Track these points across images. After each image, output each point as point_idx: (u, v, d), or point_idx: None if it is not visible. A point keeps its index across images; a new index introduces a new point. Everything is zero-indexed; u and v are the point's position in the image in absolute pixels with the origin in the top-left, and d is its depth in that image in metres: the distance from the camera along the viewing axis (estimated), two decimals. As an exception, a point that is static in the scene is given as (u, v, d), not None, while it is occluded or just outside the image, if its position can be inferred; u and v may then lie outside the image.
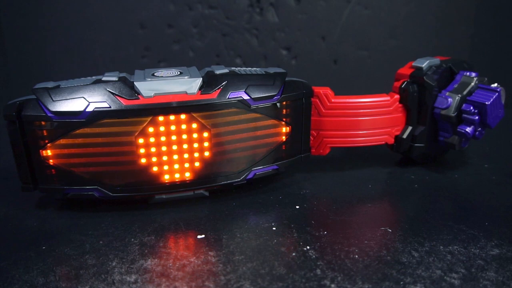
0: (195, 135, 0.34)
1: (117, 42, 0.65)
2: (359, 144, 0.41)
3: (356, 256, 0.29)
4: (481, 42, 0.69)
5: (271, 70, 0.37)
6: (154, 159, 0.33)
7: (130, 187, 0.34)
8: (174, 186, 0.35)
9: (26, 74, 0.65)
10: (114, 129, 0.32)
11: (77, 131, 0.32)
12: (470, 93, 0.39)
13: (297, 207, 0.36)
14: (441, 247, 0.30)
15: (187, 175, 0.35)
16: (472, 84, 0.39)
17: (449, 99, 0.39)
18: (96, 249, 0.30)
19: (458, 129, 0.39)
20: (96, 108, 0.31)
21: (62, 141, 0.32)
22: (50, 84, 0.32)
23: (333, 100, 0.39)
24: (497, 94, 0.38)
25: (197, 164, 0.35)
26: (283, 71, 0.37)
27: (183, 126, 0.33)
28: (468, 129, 0.38)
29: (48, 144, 0.32)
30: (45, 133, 0.32)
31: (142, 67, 0.37)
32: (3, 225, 0.33)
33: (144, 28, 0.65)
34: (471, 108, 0.38)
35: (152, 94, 0.32)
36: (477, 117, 0.38)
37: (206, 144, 0.34)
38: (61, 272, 0.27)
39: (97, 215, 0.34)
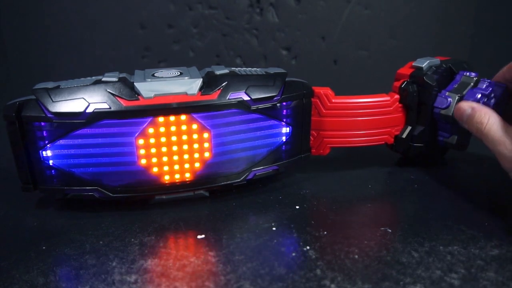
0: (195, 136, 0.34)
1: (117, 42, 0.65)
2: (359, 144, 0.41)
3: (356, 256, 0.29)
4: (481, 42, 0.69)
5: (271, 70, 0.37)
6: (154, 159, 0.33)
7: (130, 188, 0.34)
8: (174, 187, 0.35)
9: (26, 74, 0.65)
10: (114, 130, 0.32)
11: (77, 132, 0.32)
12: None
13: (297, 207, 0.36)
14: (441, 247, 0.30)
15: (187, 175, 0.35)
16: (472, 84, 0.39)
17: (449, 99, 0.39)
18: (96, 249, 0.30)
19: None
20: (96, 109, 0.31)
21: (62, 141, 0.32)
22: (50, 85, 0.32)
23: (333, 101, 0.39)
24: (504, 87, 0.37)
25: (197, 164, 0.35)
26: (284, 71, 0.37)
27: (183, 127, 0.33)
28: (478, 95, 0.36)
29: (48, 145, 0.32)
30: (44, 133, 0.32)
31: (142, 67, 0.37)
32: (3, 225, 0.33)
33: (144, 28, 0.65)
34: (480, 95, 0.36)
35: (152, 95, 0.32)
36: (488, 99, 0.36)
37: (206, 144, 0.34)
38: (61, 272, 0.27)
39: (97, 215, 0.34)
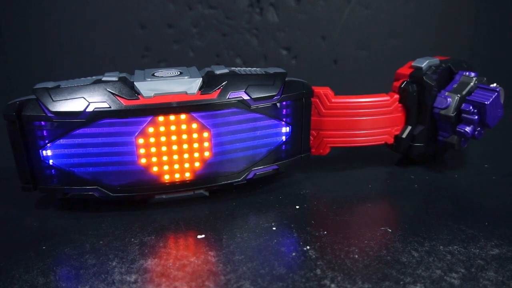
0: (195, 135, 0.34)
1: (117, 42, 0.65)
2: (359, 144, 0.41)
3: (356, 256, 0.29)
4: (481, 42, 0.69)
5: (271, 70, 0.37)
6: (154, 159, 0.33)
7: (130, 187, 0.34)
8: (174, 186, 0.35)
9: (26, 74, 0.65)
10: (114, 129, 0.32)
11: (77, 131, 0.32)
12: (469, 93, 0.39)
13: (297, 207, 0.36)
14: (441, 247, 0.30)
15: (187, 175, 0.35)
16: (471, 84, 0.39)
17: (448, 99, 0.39)
18: (96, 249, 0.30)
19: (458, 129, 0.39)
20: (96, 108, 0.31)
21: (62, 141, 0.32)
22: (50, 84, 0.32)
23: (333, 100, 0.39)
24: (496, 94, 0.38)
25: (197, 164, 0.35)
26: (283, 71, 0.37)
27: (183, 126, 0.33)
28: (468, 129, 0.38)
29: (48, 144, 0.32)
30: (45, 133, 0.32)
31: (142, 67, 0.37)
32: (3, 225, 0.33)
33: (144, 28, 0.65)
34: (471, 107, 0.38)
35: (152, 94, 0.32)
36: (476, 117, 0.38)
37: (206, 144, 0.34)
38: (61, 272, 0.27)
39: (97, 215, 0.34)
